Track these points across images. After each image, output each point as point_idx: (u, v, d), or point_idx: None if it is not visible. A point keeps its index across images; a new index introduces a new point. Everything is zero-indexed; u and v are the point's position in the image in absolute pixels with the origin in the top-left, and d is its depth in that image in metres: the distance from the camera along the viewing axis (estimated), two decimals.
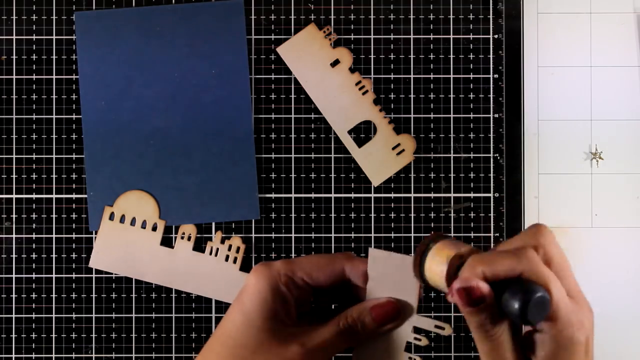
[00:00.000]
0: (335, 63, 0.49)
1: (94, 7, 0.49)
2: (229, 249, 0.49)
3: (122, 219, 0.48)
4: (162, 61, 0.49)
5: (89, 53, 0.48)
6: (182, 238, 0.49)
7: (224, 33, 0.49)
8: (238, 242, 0.49)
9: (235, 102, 0.49)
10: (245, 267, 0.49)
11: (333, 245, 0.50)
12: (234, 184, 0.49)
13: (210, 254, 0.49)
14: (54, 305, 0.49)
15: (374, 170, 0.49)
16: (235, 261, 0.49)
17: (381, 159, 0.49)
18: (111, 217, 0.49)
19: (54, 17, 0.49)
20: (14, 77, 0.49)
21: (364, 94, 0.49)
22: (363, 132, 0.49)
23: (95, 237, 0.49)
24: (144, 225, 0.49)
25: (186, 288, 0.49)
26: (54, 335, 0.49)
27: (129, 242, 0.49)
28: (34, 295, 0.49)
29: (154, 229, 0.49)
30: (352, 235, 0.49)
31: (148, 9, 0.49)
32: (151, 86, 0.49)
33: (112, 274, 0.49)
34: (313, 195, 0.49)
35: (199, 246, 0.49)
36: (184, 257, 0.49)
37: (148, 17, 0.49)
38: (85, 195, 0.49)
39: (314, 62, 0.49)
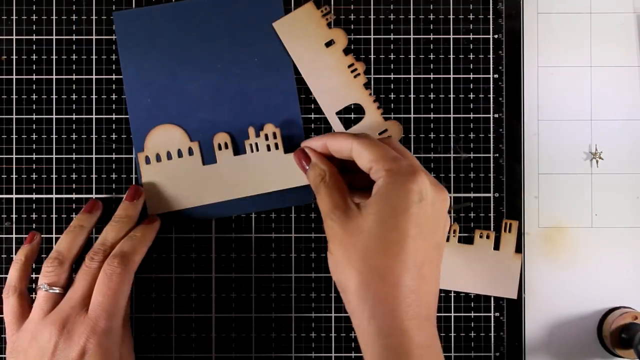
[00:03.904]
0: (330, 44, 0.49)
1: (93, 7, 0.49)
2: (266, 138, 0.49)
3: (158, 158, 0.49)
4: (204, 54, 0.49)
5: (131, 52, 0.49)
6: (220, 149, 0.49)
7: (262, 20, 0.49)
8: (272, 129, 0.48)
9: (280, 88, 0.49)
10: (288, 149, 0.48)
11: None
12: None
13: (252, 151, 0.49)
14: None
15: None
16: (277, 147, 0.49)
17: None
18: (147, 161, 0.49)
19: (54, 17, 0.49)
20: (14, 77, 0.49)
21: (355, 76, 0.49)
22: (351, 115, 0.49)
23: (143, 187, 0.49)
24: (180, 155, 0.49)
25: (247, 193, 0.49)
26: None
27: (174, 177, 0.49)
28: (33, 296, 0.49)
29: (191, 153, 0.48)
30: None
31: (184, 3, 0.49)
32: (195, 80, 0.49)
33: None
34: (312, 194, 0.49)
35: (238, 151, 0.49)
36: (230, 166, 0.49)
37: (185, 10, 0.49)
38: (86, 195, 0.49)
39: (308, 40, 0.49)
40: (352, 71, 0.49)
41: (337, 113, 0.49)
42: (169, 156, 0.49)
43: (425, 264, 0.40)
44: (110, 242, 0.46)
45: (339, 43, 0.49)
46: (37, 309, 0.44)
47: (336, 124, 0.49)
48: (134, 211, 0.47)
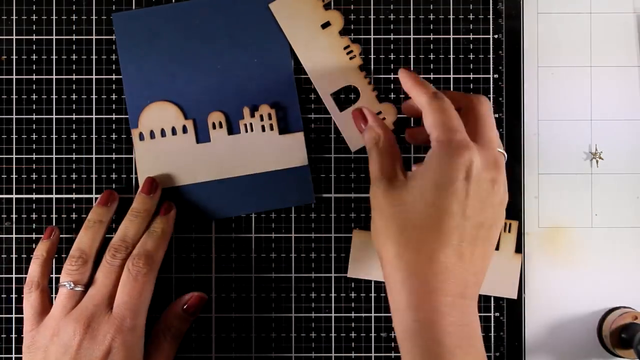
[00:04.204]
0: (326, 25, 0.49)
1: (93, 7, 0.49)
2: (261, 119, 0.48)
3: (152, 135, 0.49)
4: (203, 55, 0.49)
5: (130, 54, 0.49)
6: (215, 127, 0.48)
7: (262, 21, 0.49)
8: (267, 109, 0.48)
9: (281, 89, 0.49)
10: (283, 130, 0.49)
11: (333, 245, 0.50)
12: (285, 170, 0.49)
13: (246, 131, 0.49)
14: None
15: (352, 136, 0.49)
16: (272, 128, 0.48)
17: None
18: (141, 137, 0.49)
19: (54, 17, 0.49)
20: (14, 77, 0.49)
21: (351, 58, 0.49)
22: (346, 96, 0.49)
23: (136, 165, 0.49)
24: (174, 132, 0.49)
25: (240, 172, 0.49)
26: None
27: (167, 154, 0.49)
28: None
29: (185, 131, 0.48)
30: (352, 235, 0.49)
31: (184, 4, 0.49)
32: (195, 81, 0.49)
33: None
34: (313, 195, 0.49)
35: (232, 131, 0.49)
36: (223, 145, 0.49)
37: (185, 12, 0.49)
38: (86, 195, 0.49)
39: (304, 21, 0.49)
40: (347, 53, 0.49)
41: (332, 94, 0.49)
42: (163, 133, 0.49)
43: (466, 242, 0.39)
44: (131, 239, 0.46)
45: (335, 25, 0.49)
46: (59, 306, 0.44)
47: (331, 106, 0.49)
48: (152, 205, 0.47)
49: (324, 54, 0.49)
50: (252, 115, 0.48)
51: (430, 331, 0.38)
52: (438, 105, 0.41)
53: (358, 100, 0.49)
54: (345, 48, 0.49)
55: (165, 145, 0.49)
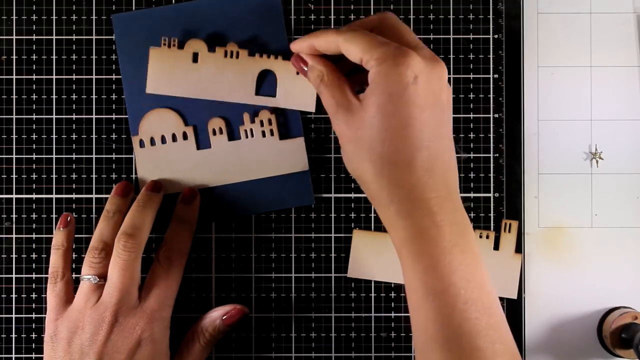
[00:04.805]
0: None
1: (93, 8, 0.49)
2: (262, 124, 0.49)
3: (153, 142, 0.49)
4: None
5: (130, 55, 0.49)
6: (215, 134, 0.49)
7: (263, 23, 0.49)
8: (267, 115, 0.48)
9: None
10: (284, 135, 0.49)
11: (333, 245, 0.50)
12: (286, 175, 0.49)
13: (247, 137, 0.49)
14: None
15: None
16: (272, 133, 0.49)
17: None
18: (141, 144, 0.49)
19: (54, 17, 0.49)
20: (14, 77, 0.49)
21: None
22: None
23: (136, 171, 0.49)
24: (174, 139, 0.49)
25: (240, 178, 0.49)
26: None
27: (168, 161, 0.49)
28: (34, 295, 0.49)
29: (185, 137, 0.49)
30: (352, 235, 0.49)
31: (184, 5, 0.49)
32: None
33: None
34: (313, 195, 0.49)
35: (233, 136, 0.49)
36: (224, 151, 0.49)
37: (185, 12, 0.49)
38: (86, 195, 0.49)
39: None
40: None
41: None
42: (164, 140, 0.49)
43: (433, 140, 0.40)
44: (141, 228, 0.45)
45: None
46: (82, 299, 0.44)
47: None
48: (157, 200, 0.47)
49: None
50: (253, 121, 0.48)
51: (424, 233, 0.39)
52: (354, 34, 0.41)
53: None
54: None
55: (166, 152, 0.49)
